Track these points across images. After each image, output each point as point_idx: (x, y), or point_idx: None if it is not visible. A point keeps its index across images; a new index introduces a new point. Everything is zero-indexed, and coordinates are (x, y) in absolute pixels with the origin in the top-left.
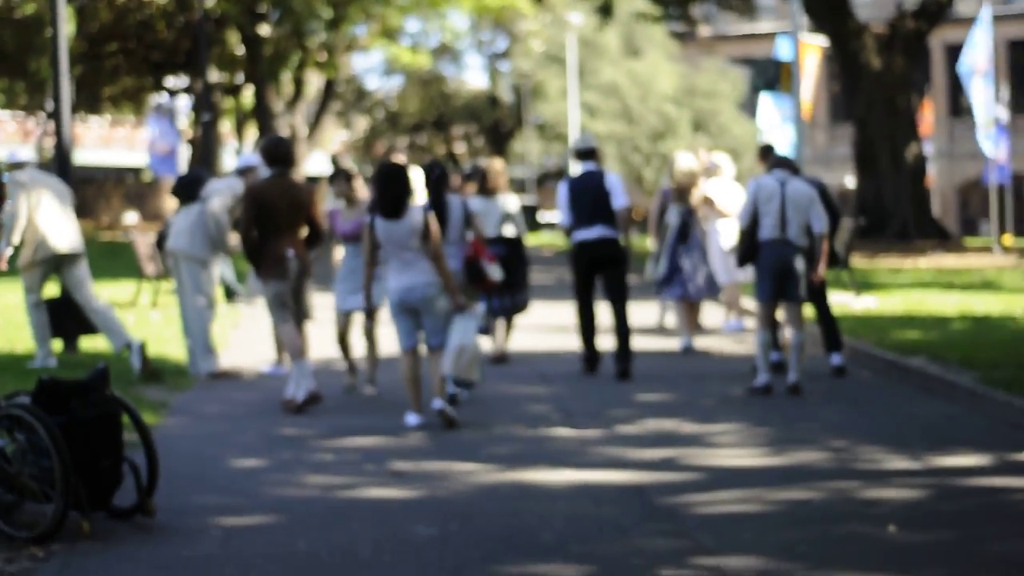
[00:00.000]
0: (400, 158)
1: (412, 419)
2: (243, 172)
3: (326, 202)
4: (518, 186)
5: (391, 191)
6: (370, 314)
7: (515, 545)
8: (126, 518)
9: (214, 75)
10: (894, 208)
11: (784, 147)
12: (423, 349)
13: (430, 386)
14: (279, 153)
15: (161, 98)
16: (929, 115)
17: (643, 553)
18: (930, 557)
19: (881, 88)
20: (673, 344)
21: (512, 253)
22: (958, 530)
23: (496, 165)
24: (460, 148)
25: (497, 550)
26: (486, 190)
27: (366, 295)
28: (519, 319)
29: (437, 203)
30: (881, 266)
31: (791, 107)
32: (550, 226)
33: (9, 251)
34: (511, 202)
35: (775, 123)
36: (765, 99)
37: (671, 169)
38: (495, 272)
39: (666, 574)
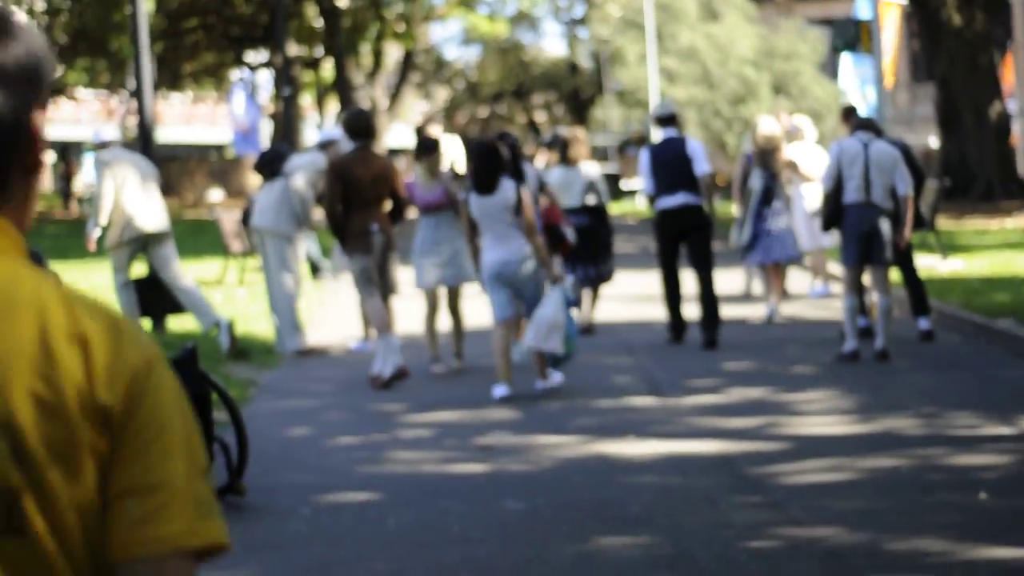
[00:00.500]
0: (436, 129)
1: (500, 391)
2: (325, 146)
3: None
4: (600, 154)
5: (483, 167)
6: (455, 290)
7: (603, 518)
8: (217, 498)
9: (293, 49)
10: (979, 168)
11: (866, 109)
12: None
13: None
14: (361, 126)
15: (241, 73)
16: (1012, 72)
17: (731, 524)
18: (1022, 523)
19: (962, 46)
20: (759, 311)
21: (595, 222)
22: None
23: (577, 134)
24: (540, 117)
25: (585, 523)
26: (567, 159)
27: (452, 273)
28: (604, 289)
29: (514, 173)
30: (967, 227)
31: (872, 68)
32: (632, 194)
33: (97, 232)
34: (593, 171)
35: (857, 84)
36: (846, 60)
37: (753, 133)
38: (571, 235)
39: (755, 546)
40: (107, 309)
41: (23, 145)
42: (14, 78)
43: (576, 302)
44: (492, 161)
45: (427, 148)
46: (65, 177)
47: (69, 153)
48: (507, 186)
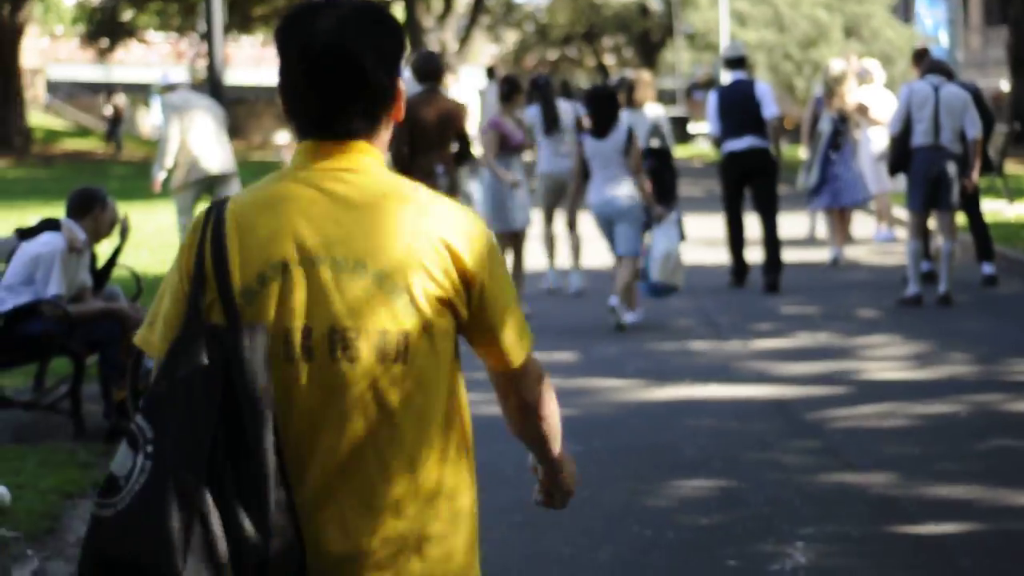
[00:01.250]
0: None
1: (629, 317)
2: None
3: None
4: (667, 97)
5: (603, 112)
6: (523, 232)
7: (658, 461)
8: None
9: None
10: None
11: (939, 51)
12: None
13: (614, 289)
14: (429, 68)
15: None
16: None
17: (785, 468)
18: None
19: None
20: (823, 255)
21: (660, 165)
22: None
23: (643, 76)
24: (610, 60)
25: (640, 466)
26: (633, 102)
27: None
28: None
29: (547, 112)
30: None
31: (944, 10)
32: (698, 137)
33: (162, 175)
34: (658, 113)
35: (933, 27)
36: (923, 2)
37: (824, 76)
38: None
39: (808, 490)
40: (458, 206)
41: (391, 101)
42: (392, 56)
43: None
44: (610, 106)
45: (514, 89)
46: (113, 120)
47: (114, 95)
48: (620, 130)
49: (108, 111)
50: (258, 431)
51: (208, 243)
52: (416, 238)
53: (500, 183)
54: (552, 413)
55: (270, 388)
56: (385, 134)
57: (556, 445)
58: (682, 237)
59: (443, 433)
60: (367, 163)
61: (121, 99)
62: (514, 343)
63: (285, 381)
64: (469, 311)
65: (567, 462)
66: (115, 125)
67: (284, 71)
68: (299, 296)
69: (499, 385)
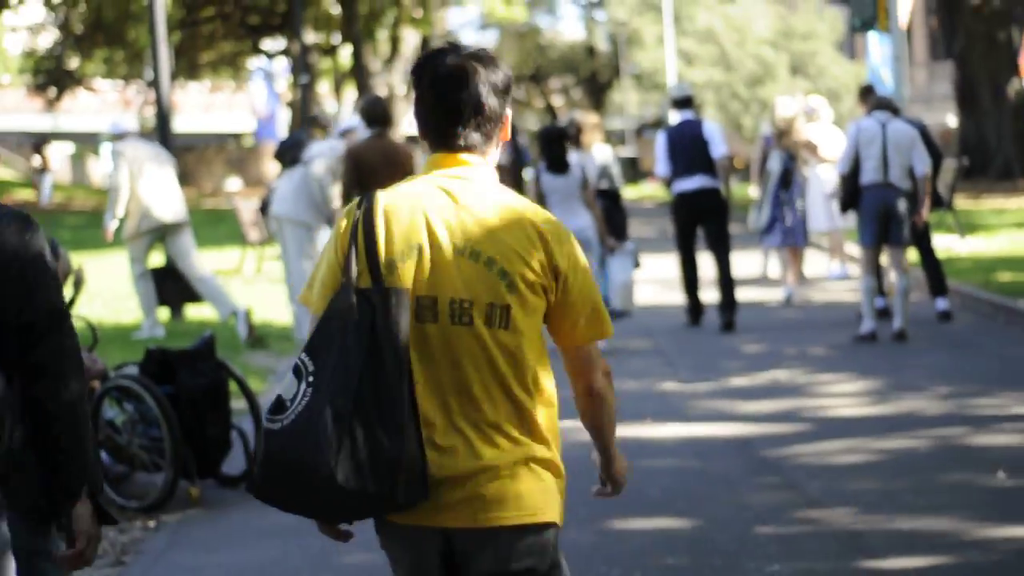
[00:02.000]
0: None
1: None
2: (345, 134)
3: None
4: (617, 138)
5: (557, 150)
6: None
7: (621, 502)
8: (235, 485)
9: (311, 36)
10: (997, 147)
11: (887, 87)
12: None
13: None
14: (377, 113)
15: (259, 62)
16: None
17: (750, 507)
18: None
19: (980, 23)
20: (777, 293)
21: (610, 206)
22: None
23: (589, 119)
24: (558, 101)
25: (604, 507)
26: (580, 144)
27: None
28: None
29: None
30: (985, 207)
31: (889, 46)
32: (647, 175)
33: (114, 223)
34: (606, 155)
35: (881, 63)
36: (872, 38)
37: (772, 115)
38: None
39: (773, 527)
40: (550, 216)
41: (500, 124)
42: (502, 90)
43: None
44: (562, 144)
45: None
46: (40, 171)
47: (43, 145)
48: (575, 167)
49: (36, 161)
50: (397, 371)
51: (361, 226)
52: (519, 235)
53: None
54: (612, 405)
55: (407, 339)
56: (495, 151)
57: (613, 435)
58: (636, 265)
59: (536, 384)
60: (482, 173)
61: (52, 149)
62: (589, 327)
63: (416, 336)
64: (556, 296)
65: (620, 457)
66: (41, 174)
67: (419, 100)
68: (429, 273)
69: (572, 368)
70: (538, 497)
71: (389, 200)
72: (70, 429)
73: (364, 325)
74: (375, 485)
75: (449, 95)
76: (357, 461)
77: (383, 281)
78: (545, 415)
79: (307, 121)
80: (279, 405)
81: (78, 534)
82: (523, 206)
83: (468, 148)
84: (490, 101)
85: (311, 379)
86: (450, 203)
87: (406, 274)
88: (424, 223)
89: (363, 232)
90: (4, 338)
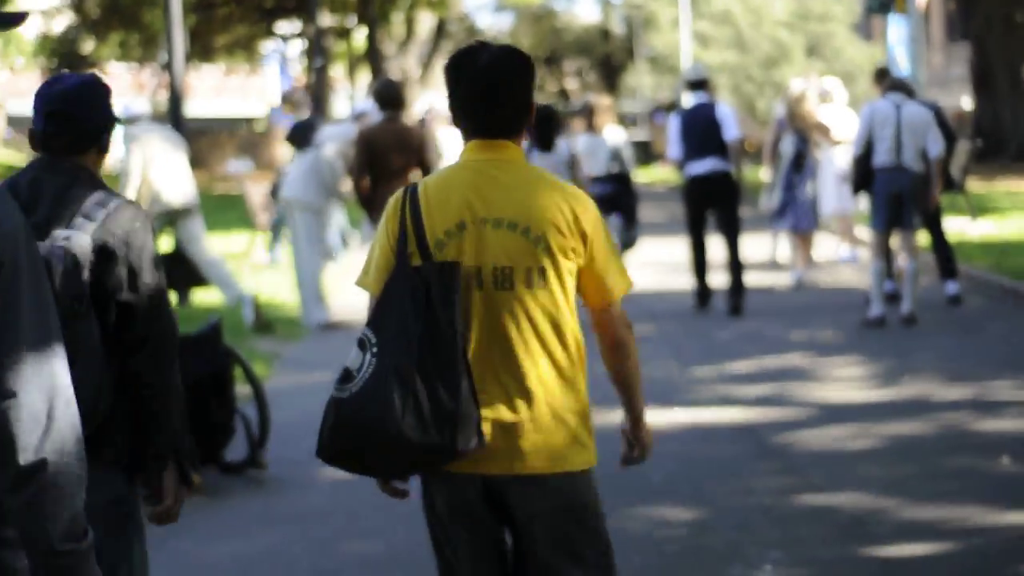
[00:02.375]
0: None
1: None
2: (358, 118)
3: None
4: (630, 121)
5: (545, 129)
6: None
7: (625, 487)
8: (237, 472)
9: (326, 19)
10: (1011, 130)
11: (904, 69)
12: None
13: None
14: (390, 96)
15: (274, 45)
16: None
17: (754, 492)
18: None
19: (997, 4)
20: (786, 277)
21: (621, 189)
22: None
23: (602, 101)
24: (572, 84)
25: (607, 492)
26: (592, 127)
27: None
28: (629, 256)
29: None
30: (998, 189)
31: (906, 28)
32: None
33: None
34: (618, 138)
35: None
36: (891, 20)
37: (786, 98)
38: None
39: (777, 513)
40: (575, 188)
41: (528, 114)
42: (529, 81)
43: (629, 243)
44: (549, 124)
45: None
46: None
47: None
48: (563, 145)
49: None
50: (451, 336)
51: (408, 211)
52: (550, 207)
53: None
54: (635, 357)
55: (459, 307)
56: (522, 137)
57: (639, 390)
58: (628, 244)
59: (569, 340)
60: (514, 155)
61: None
62: (615, 282)
63: (465, 303)
64: (585, 258)
65: (646, 422)
66: None
67: (454, 92)
68: (473, 246)
69: (599, 323)
70: (568, 448)
71: (431, 187)
72: (163, 400)
73: (420, 298)
74: (438, 437)
75: (486, 89)
76: (421, 417)
77: (433, 258)
78: (576, 369)
79: (284, 98)
80: (347, 375)
81: (166, 492)
82: (551, 180)
83: (502, 134)
84: (520, 93)
85: (375, 350)
86: (488, 182)
87: (454, 249)
88: (466, 202)
89: (411, 216)
90: (108, 314)
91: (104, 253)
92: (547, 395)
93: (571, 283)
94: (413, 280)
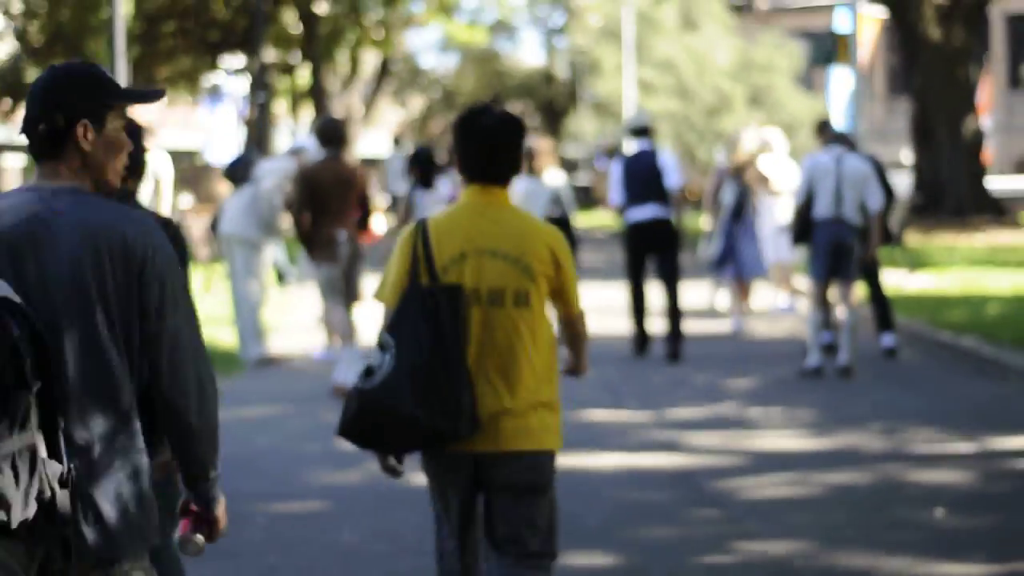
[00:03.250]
0: None
1: None
2: (295, 153)
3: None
4: (571, 165)
5: (426, 168)
6: None
7: (561, 531)
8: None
9: (270, 54)
10: (950, 184)
11: (844, 122)
12: None
13: None
14: (332, 134)
15: (217, 79)
16: (988, 88)
17: (689, 539)
18: (977, 541)
19: (939, 60)
20: (724, 325)
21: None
22: (1006, 514)
23: (543, 144)
24: None
25: None
26: (533, 170)
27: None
28: None
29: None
30: (936, 244)
31: (849, 80)
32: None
33: None
34: (558, 181)
35: (842, 97)
36: (836, 73)
37: (731, 147)
38: None
39: (711, 560)
40: (552, 227)
41: (520, 165)
42: (522, 138)
43: None
44: (431, 164)
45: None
46: None
47: None
48: (443, 182)
49: None
50: (455, 342)
51: (420, 241)
52: (535, 242)
53: None
54: (585, 337)
55: (461, 319)
56: (511, 185)
57: (584, 350)
58: None
59: (546, 344)
60: (504, 199)
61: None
62: (575, 301)
63: (465, 317)
64: (556, 282)
65: (586, 362)
66: None
67: (460, 146)
68: (473, 271)
69: (566, 324)
70: (542, 432)
71: (439, 222)
72: (201, 415)
73: (429, 311)
74: (444, 423)
75: (487, 148)
76: (430, 406)
77: (440, 280)
78: (550, 368)
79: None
80: (369, 371)
81: (216, 504)
82: (534, 219)
83: (496, 183)
84: (514, 151)
85: (392, 351)
86: (486, 221)
87: (455, 274)
88: (468, 236)
89: (422, 246)
90: (133, 330)
91: None
92: (526, 390)
93: (545, 301)
94: (425, 297)
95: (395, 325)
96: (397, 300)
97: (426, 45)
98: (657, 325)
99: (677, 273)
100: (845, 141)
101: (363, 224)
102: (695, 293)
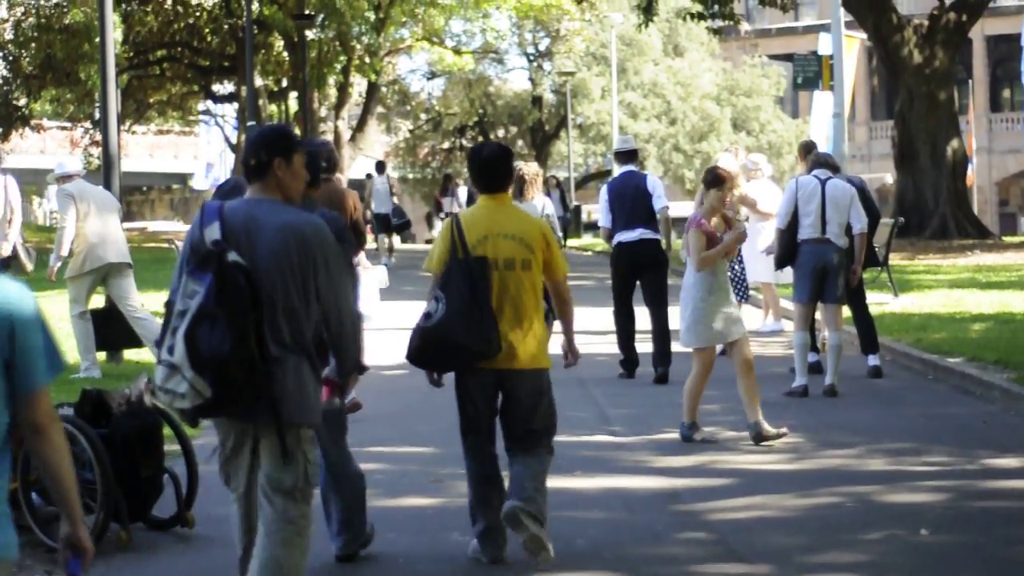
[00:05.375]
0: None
1: None
2: None
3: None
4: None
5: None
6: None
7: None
8: (165, 529)
9: (259, 80)
10: (933, 206)
11: (827, 144)
12: None
13: None
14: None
15: (207, 105)
16: (970, 110)
17: (676, 560)
18: (962, 561)
19: (922, 83)
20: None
21: None
22: (992, 533)
23: (530, 168)
24: None
25: (530, 558)
26: (520, 194)
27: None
28: (557, 323)
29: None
30: (920, 265)
31: (832, 103)
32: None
33: (58, 265)
34: (546, 206)
35: (825, 120)
36: (819, 97)
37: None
38: None
39: None
40: (541, 219)
41: (512, 180)
42: (512, 161)
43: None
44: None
45: (716, 180)
46: None
47: None
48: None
49: None
50: (485, 293)
51: (455, 229)
52: (532, 226)
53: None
54: (570, 304)
55: (488, 278)
56: (508, 191)
57: (572, 324)
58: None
59: (539, 297)
60: (508, 200)
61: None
62: (561, 267)
63: (490, 279)
64: (547, 255)
65: (575, 343)
66: None
67: (472, 170)
68: (492, 248)
69: (554, 288)
70: (541, 355)
71: (466, 217)
72: (343, 336)
73: (466, 274)
74: (480, 347)
75: (489, 170)
76: (471, 336)
77: (471, 254)
78: (541, 312)
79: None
80: (427, 316)
81: (349, 387)
82: (529, 215)
83: (499, 192)
84: (508, 170)
85: (443, 302)
86: (497, 214)
87: (482, 249)
88: (486, 225)
89: (456, 232)
90: (309, 288)
91: None
92: (528, 326)
93: (540, 268)
94: (462, 266)
95: (443, 285)
96: (442, 269)
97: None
98: (645, 347)
99: (665, 295)
100: (829, 163)
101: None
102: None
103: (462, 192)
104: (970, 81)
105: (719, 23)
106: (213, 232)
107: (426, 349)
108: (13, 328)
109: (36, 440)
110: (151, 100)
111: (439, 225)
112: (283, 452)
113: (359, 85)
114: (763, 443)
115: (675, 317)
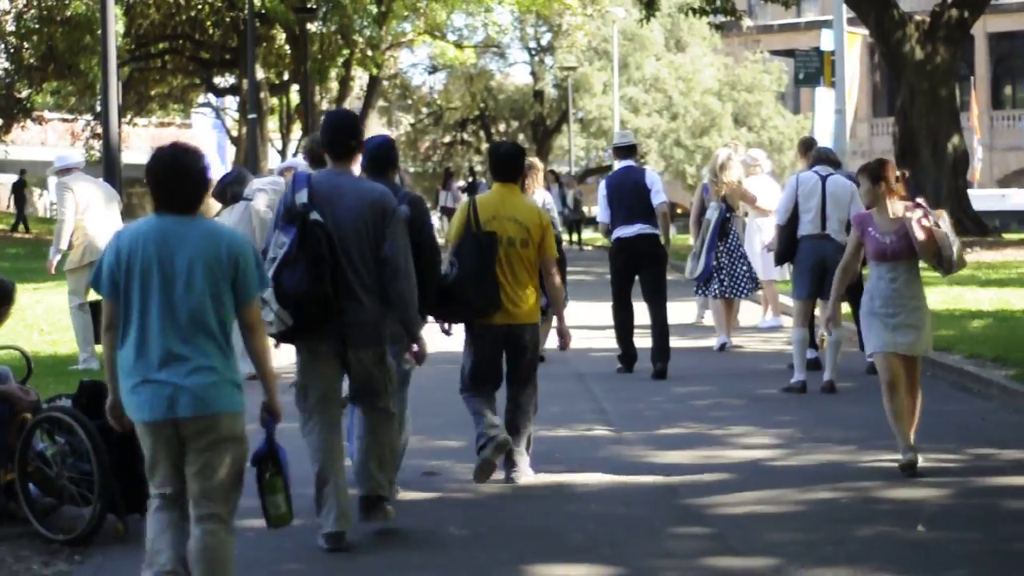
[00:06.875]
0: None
1: None
2: (283, 172)
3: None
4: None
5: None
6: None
7: (545, 546)
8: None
9: (260, 73)
10: (934, 203)
11: (829, 141)
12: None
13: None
14: (319, 151)
15: (208, 97)
16: (972, 107)
17: (672, 554)
18: (958, 557)
19: (923, 79)
20: (710, 342)
21: None
22: (987, 530)
23: (531, 163)
24: None
25: (527, 551)
26: (524, 188)
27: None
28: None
29: None
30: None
31: (834, 100)
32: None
33: (58, 257)
34: (546, 200)
35: (827, 116)
36: (821, 93)
37: (712, 165)
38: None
39: None
40: (540, 207)
41: (523, 172)
42: (523, 157)
43: None
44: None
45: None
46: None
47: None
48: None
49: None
50: (492, 262)
51: (471, 209)
52: (532, 212)
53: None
54: (559, 286)
55: (495, 251)
56: (518, 181)
57: (561, 304)
58: None
59: (535, 272)
60: (516, 189)
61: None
62: (551, 249)
63: (497, 252)
64: (541, 235)
65: (565, 323)
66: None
67: (490, 163)
68: (500, 226)
69: (545, 267)
70: (534, 312)
71: (481, 200)
72: (405, 295)
73: (476, 245)
74: (484, 305)
75: (505, 164)
76: (478, 295)
77: (483, 229)
78: (536, 283)
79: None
80: (444, 276)
81: (422, 348)
82: (531, 203)
83: (512, 181)
84: (520, 164)
85: (455, 267)
86: (506, 200)
87: (492, 227)
88: (496, 207)
89: (472, 212)
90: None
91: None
92: (525, 292)
93: (536, 247)
94: (474, 238)
95: (457, 252)
96: (457, 240)
97: (416, 63)
98: (644, 342)
99: (664, 290)
100: (830, 159)
101: None
102: (682, 310)
103: (474, 190)
104: (972, 78)
105: (721, 18)
106: (302, 197)
107: (447, 303)
108: (238, 260)
109: (249, 335)
110: (152, 92)
111: (436, 219)
112: (364, 366)
113: (361, 79)
114: None
115: (674, 314)
